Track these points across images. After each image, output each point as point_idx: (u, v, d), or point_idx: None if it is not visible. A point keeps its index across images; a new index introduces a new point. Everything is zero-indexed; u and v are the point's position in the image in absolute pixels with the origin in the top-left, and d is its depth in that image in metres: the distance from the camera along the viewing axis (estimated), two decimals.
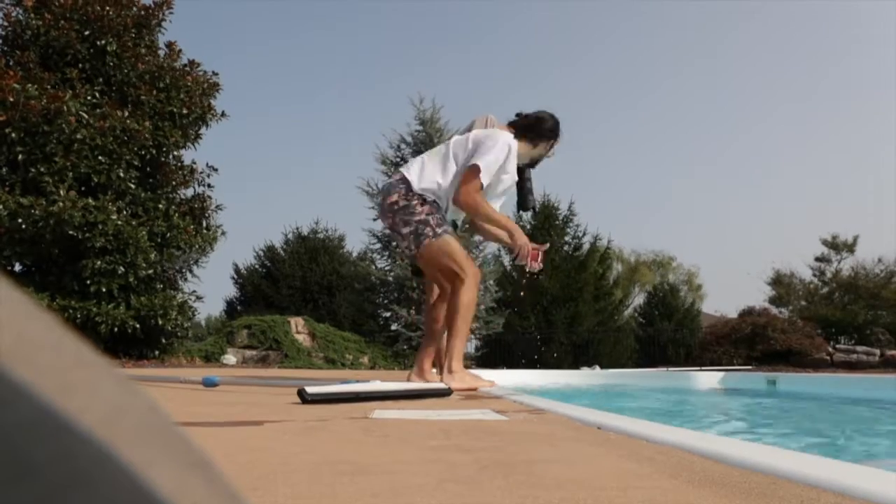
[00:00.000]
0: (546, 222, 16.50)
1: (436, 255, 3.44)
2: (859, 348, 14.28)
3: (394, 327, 13.59)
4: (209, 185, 10.64)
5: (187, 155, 20.68)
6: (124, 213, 8.90)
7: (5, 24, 9.33)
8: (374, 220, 17.97)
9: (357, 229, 22.33)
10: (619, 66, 51.79)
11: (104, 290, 8.57)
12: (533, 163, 3.82)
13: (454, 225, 3.80)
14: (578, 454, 1.17)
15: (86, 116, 8.61)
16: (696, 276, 28.11)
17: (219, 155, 39.94)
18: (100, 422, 0.15)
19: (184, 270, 10.63)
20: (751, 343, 14.78)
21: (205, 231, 10.14)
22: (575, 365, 13.81)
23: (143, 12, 9.98)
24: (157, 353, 9.53)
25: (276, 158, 55.46)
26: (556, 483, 0.87)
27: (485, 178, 3.39)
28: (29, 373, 0.15)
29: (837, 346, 15.13)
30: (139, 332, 8.89)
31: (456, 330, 3.39)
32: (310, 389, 2.37)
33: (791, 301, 21.65)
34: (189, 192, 10.53)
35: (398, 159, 18.22)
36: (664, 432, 1.34)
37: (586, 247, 16.82)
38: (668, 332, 16.53)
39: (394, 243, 17.78)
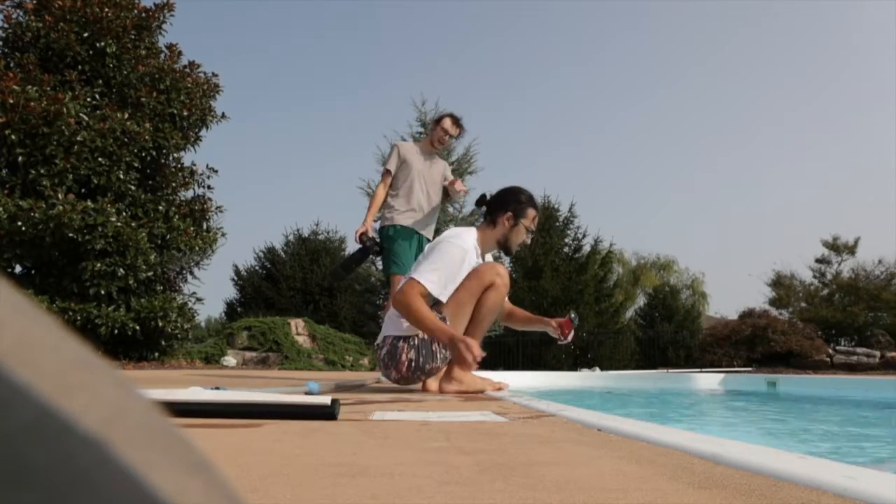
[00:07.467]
0: (546, 224, 16.49)
1: None
2: (859, 350, 14.28)
3: None
4: (209, 187, 10.64)
5: (187, 157, 20.64)
6: (124, 214, 8.89)
7: (6, 26, 9.33)
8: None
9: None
10: (623, 67, 51.84)
11: (104, 292, 8.57)
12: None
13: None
14: (579, 456, 1.16)
15: (86, 118, 8.62)
16: (700, 284, 27.88)
17: (219, 156, 40.11)
18: (100, 424, 0.15)
19: (184, 272, 10.63)
20: (751, 345, 14.77)
21: (205, 233, 10.13)
22: (574, 367, 13.81)
23: (143, 14, 9.99)
24: (157, 354, 9.53)
25: (277, 160, 55.57)
26: (557, 485, 0.87)
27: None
28: (29, 375, 0.15)
29: (837, 347, 15.12)
30: (139, 334, 8.89)
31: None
32: (156, 393, 1.81)
33: (791, 303, 21.62)
34: (189, 194, 10.52)
35: None
36: (665, 434, 1.34)
37: (587, 249, 16.80)
38: (668, 333, 16.51)
39: None
